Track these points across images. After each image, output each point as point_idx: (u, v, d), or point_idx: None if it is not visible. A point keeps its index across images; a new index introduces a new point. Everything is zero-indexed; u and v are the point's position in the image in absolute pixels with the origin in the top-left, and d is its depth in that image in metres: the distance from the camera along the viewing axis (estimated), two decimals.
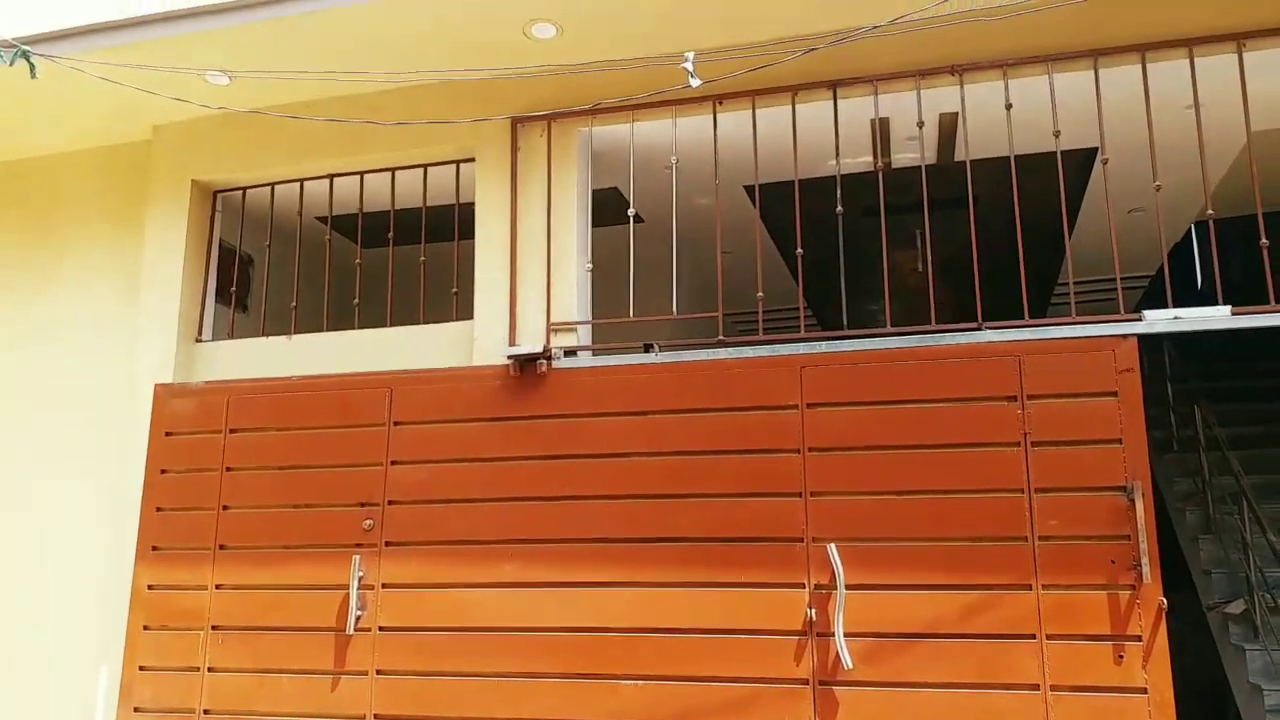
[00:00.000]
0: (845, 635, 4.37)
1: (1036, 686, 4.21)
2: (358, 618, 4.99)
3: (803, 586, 4.52)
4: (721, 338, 4.99)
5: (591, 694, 4.67)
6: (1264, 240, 4.49)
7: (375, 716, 4.90)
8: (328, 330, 5.74)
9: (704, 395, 4.86)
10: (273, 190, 6.02)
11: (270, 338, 5.74)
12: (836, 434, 4.64)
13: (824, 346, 4.81)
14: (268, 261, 5.96)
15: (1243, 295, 4.53)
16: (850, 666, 4.33)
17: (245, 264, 6.27)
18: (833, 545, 4.47)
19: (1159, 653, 4.13)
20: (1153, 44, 4.67)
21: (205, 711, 5.13)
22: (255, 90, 5.49)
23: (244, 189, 6.08)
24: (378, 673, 4.95)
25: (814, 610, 4.47)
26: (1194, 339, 4.68)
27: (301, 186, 5.94)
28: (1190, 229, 7.29)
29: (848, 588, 4.42)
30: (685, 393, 4.89)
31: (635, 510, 4.81)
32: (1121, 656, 4.16)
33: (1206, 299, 4.53)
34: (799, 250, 5.14)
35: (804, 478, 4.62)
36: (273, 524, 5.28)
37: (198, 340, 5.88)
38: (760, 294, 5.12)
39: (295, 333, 5.71)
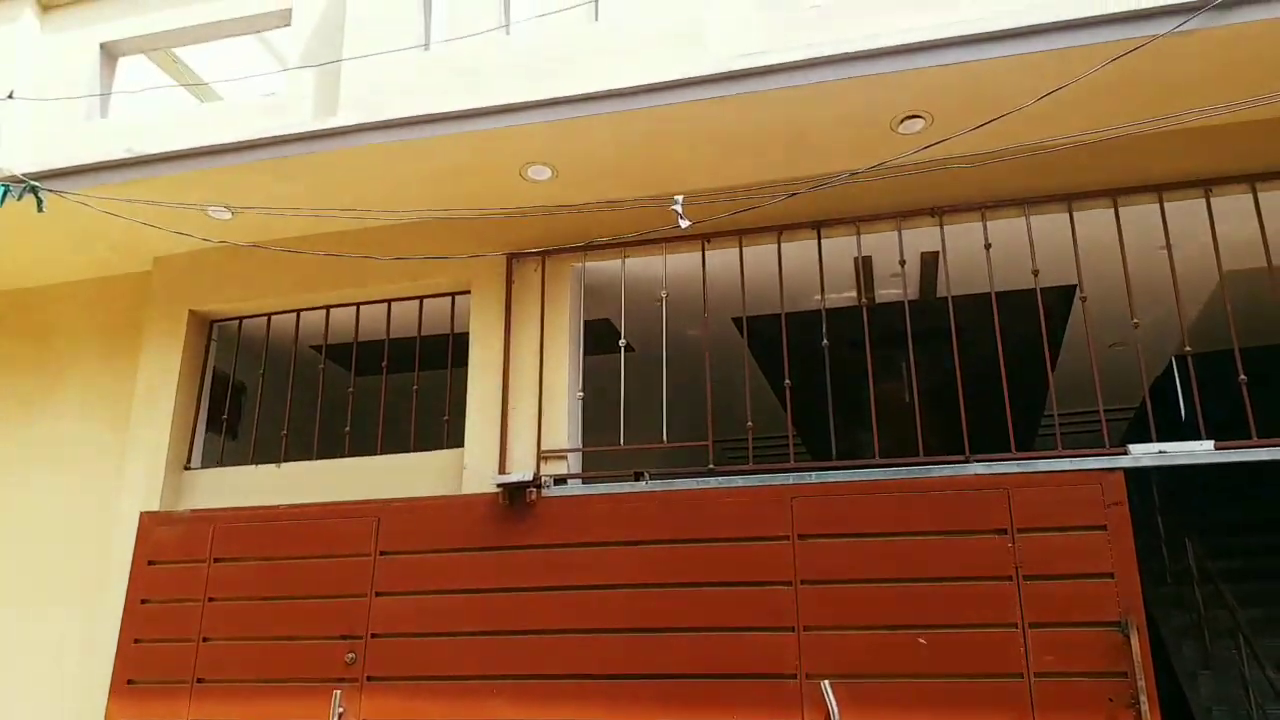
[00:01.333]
0: None
1: None
2: None
3: None
4: (712, 466, 5.01)
5: None
6: (1242, 376, 4.59)
7: None
8: (317, 458, 5.73)
9: (694, 525, 4.84)
10: (269, 320, 6.11)
11: (259, 465, 5.72)
12: (829, 566, 4.61)
13: (814, 477, 4.83)
14: (260, 389, 6.01)
15: (1226, 426, 4.59)
16: None
17: (238, 392, 6.31)
18: (826, 683, 4.38)
19: None
20: (1124, 189, 4.88)
21: None
22: (256, 224, 5.64)
23: (240, 319, 6.17)
24: None
25: None
26: (1182, 471, 4.71)
27: (298, 317, 6.04)
28: (1171, 362, 7.41)
29: None
30: (675, 522, 4.87)
31: (625, 644, 4.73)
32: None
33: (1190, 431, 4.59)
34: (787, 381, 5.22)
35: (797, 611, 4.57)
36: (253, 656, 5.16)
37: (186, 468, 5.86)
38: (750, 424, 5.17)
39: (285, 460, 5.70)
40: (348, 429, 5.73)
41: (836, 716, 4.31)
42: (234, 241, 5.72)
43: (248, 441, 6.05)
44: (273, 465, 5.69)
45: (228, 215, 5.53)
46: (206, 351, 6.15)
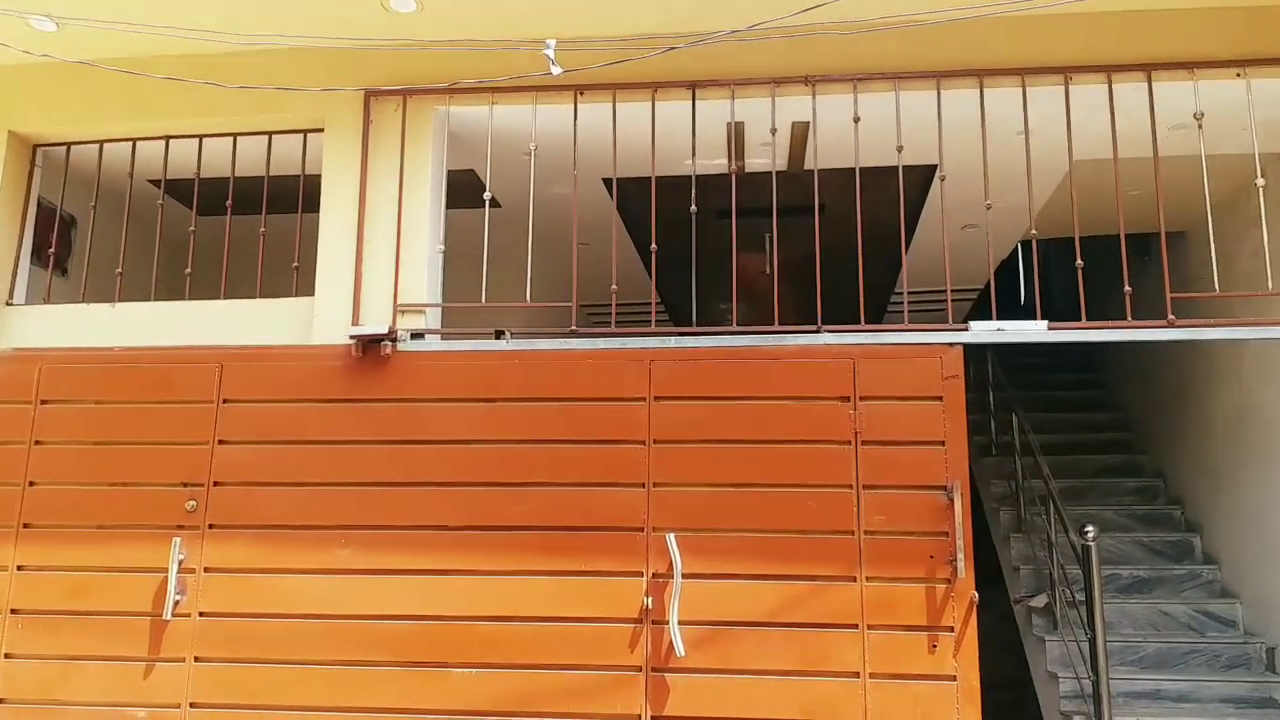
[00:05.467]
0: (679, 623, 4.45)
1: (857, 674, 4.41)
2: (176, 602, 4.74)
3: (641, 575, 4.58)
4: (574, 328, 4.99)
5: (421, 682, 4.59)
6: (1080, 262, 4.84)
7: (191, 705, 4.68)
8: (156, 300, 5.42)
9: (553, 385, 4.85)
10: (101, 148, 5.62)
11: (91, 305, 5.37)
12: (681, 427, 4.72)
13: (673, 342, 4.88)
14: (92, 224, 5.58)
15: (1063, 311, 4.86)
16: (683, 654, 4.42)
17: (67, 225, 5.85)
18: (671, 535, 4.54)
19: (969, 643, 4.40)
20: (989, 70, 4.96)
21: (1, 701, 4.77)
22: (87, 40, 5.12)
23: (69, 144, 5.66)
24: (196, 660, 4.72)
25: (650, 598, 4.54)
26: (1016, 351, 4.99)
27: (134, 146, 5.59)
28: (1017, 247, 7.76)
29: (684, 576, 4.50)
30: (534, 381, 4.87)
31: (476, 498, 4.76)
32: (935, 646, 4.40)
33: (1029, 314, 4.85)
34: (653, 246, 5.20)
35: (648, 469, 4.68)
36: (86, 502, 4.95)
37: (8, 303, 5.45)
38: (614, 287, 5.15)
39: (120, 301, 5.37)
40: (188, 271, 5.42)
41: (679, 565, 4.49)
42: (60, 57, 5.19)
43: (78, 279, 5.65)
44: (106, 305, 5.34)
45: (53, 27, 5.00)
46: (30, 178, 5.64)
